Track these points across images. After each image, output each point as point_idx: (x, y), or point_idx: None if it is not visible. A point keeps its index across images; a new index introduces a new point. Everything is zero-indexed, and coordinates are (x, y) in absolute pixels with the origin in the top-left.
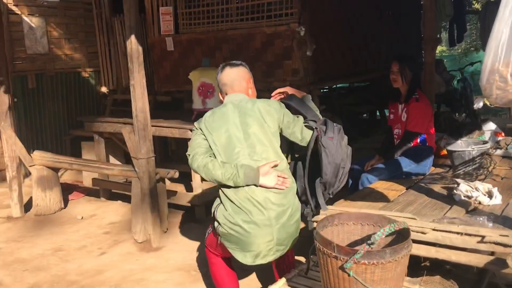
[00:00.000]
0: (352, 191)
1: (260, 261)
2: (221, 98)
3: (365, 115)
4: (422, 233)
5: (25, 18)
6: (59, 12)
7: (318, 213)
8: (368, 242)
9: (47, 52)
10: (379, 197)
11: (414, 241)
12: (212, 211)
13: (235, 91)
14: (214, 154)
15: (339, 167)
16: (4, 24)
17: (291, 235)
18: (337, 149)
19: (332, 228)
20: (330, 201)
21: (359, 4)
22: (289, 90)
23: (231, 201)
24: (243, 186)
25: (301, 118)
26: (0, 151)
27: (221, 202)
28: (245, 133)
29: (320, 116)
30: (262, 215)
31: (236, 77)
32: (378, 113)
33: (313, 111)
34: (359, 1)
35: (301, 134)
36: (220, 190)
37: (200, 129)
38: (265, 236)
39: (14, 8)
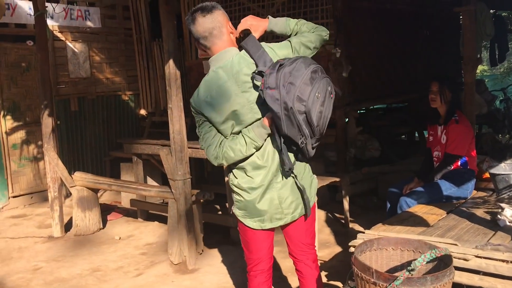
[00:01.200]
0: (390, 215)
1: (269, 225)
2: (202, 53)
3: (403, 136)
4: (464, 259)
5: (69, 44)
6: (101, 38)
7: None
8: (409, 268)
9: (89, 76)
10: (419, 221)
11: (456, 268)
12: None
13: (218, 47)
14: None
15: (290, 115)
16: (49, 50)
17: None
18: (275, 99)
19: (371, 253)
20: (368, 225)
21: (395, 25)
22: (247, 24)
23: (241, 168)
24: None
25: (296, 38)
26: (43, 172)
27: (230, 170)
28: (249, 103)
29: (290, 27)
30: (262, 177)
31: (213, 26)
32: (416, 135)
33: (265, 57)
34: (396, 21)
35: (306, 50)
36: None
37: (200, 111)
38: (270, 200)
39: (59, 35)
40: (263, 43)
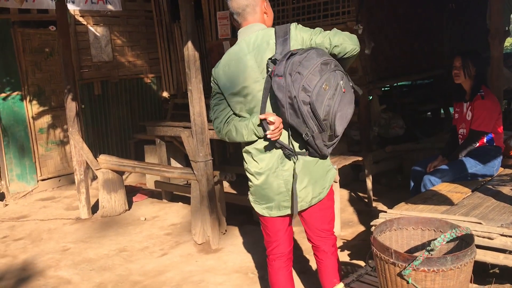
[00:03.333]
0: (414, 193)
1: (276, 213)
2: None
3: (428, 114)
4: (489, 238)
5: (91, 28)
6: (122, 21)
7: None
8: (428, 248)
9: (111, 59)
10: (442, 200)
11: (481, 247)
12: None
13: (248, 22)
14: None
15: (294, 104)
16: (71, 35)
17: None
18: (281, 86)
19: (391, 233)
20: (391, 204)
21: None
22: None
23: (249, 153)
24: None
25: (319, 31)
26: (69, 155)
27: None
28: (263, 80)
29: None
30: (266, 161)
31: (248, 3)
32: (442, 112)
33: (284, 46)
34: None
35: (330, 45)
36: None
37: (216, 82)
38: (277, 188)
39: (80, 19)
40: (294, 27)
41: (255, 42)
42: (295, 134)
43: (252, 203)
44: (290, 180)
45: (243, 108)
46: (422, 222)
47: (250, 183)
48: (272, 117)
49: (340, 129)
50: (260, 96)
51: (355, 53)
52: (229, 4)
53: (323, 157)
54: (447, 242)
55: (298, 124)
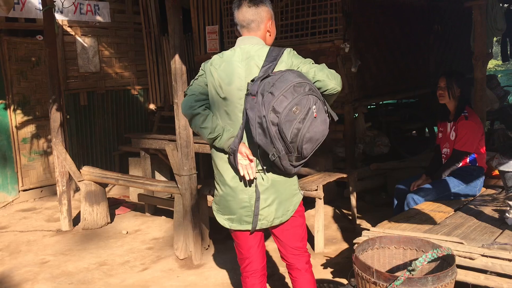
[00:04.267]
0: (397, 211)
1: (237, 226)
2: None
3: (413, 132)
4: (470, 258)
5: (79, 39)
6: (110, 33)
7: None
8: (409, 268)
9: (98, 70)
10: (425, 219)
11: (462, 267)
12: None
13: (250, 34)
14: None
15: (263, 123)
16: (59, 45)
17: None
18: (253, 104)
19: (373, 252)
20: (375, 222)
21: (406, 19)
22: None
23: (215, 162)
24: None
25: (310, 61)
26: (52, 166)
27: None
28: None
29: None
30: (232, 174)
31: (254, 19)
32: (427, 130)
33: (269, 68)
34: (407, 16)
35: (313, 78)
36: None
37: (205, 72)
38: (240, 202)
39: (68, 29)
40: (288, 52)
41: (248, 53)
42: (263, 152)
43: (214, 212)
44: (254, 196)
45: (219, 107)
46: (404, 241)
47: (216, 192)
48: (245, 154)
49: (308, 151)
50: (237, 104)
51: (334, 92)
52: (235, 15)
53: (287, 175)
54: (429, 262)
55: (265, 144)
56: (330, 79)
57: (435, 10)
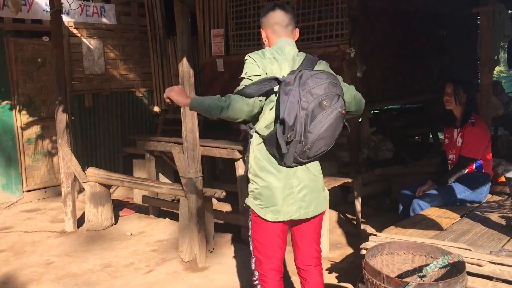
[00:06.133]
0: (403, 217)
1: (282, 217)
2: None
3: (417, 138)
4: (478, 265)
5: (84, 40)
6: (116, 35)
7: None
8: (420, 274)
9: (103, 72)
10: (431, 224)
11: (469, 274)
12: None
13: (287, 35)
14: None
15: (294, 102)
16: (64, 46)
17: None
18: (288, 89)
19: (382, 257)
20: (380, 227)
21: (411, 25)
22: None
23: (256, 153)
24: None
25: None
26: (57, 167)
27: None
28: None
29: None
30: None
31: (290, 22)
32: (430, 136)
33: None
34: (412, 21)
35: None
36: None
37: (256, 62)
38: (284, 190)
39: (74, 31)
40: (325, 63)
41: (294, 55)
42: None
43: (254, 208)
44: (298, 183)
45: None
46: (413, 247)
47: (255, 186)
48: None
49: (315, 150)
50: (273, 99)
51: (354, 115)
52: (269, 15)
53: (284, 162)
54: (439, 268)
55: (290, 120)
56: (354, 104)
57: (440, 16)
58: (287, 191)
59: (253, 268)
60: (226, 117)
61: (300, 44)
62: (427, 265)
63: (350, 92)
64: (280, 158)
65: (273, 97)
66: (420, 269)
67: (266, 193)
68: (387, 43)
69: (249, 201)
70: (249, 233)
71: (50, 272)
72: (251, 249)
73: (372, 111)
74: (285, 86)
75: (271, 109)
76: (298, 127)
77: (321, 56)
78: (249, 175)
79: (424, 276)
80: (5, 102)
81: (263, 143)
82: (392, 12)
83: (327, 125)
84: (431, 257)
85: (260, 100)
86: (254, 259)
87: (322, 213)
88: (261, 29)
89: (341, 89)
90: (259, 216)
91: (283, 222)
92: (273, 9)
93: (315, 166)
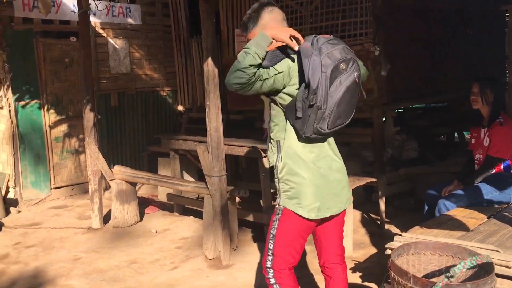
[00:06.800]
0: (428, 217)
1: (323, 214)
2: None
3: (442, 137)
4: (506, 267)
5: (110, 40)
6: (141, 35)
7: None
8: (448, 275)
9: (129, 72)
10: (458, 225)
11: (497, 275)
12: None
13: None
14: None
15: (317, 61)
16: (91, 46)
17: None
18: (308, 52)
19: (408, 257)
20: (403, 227)
21: (437, 23)
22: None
23: (294, 149)
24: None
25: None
26: (83, 164)
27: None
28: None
29: None
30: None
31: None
32: (456, 135)
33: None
34: (437, 19)
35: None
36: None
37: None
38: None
39: (100, 31)
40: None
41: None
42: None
43: (293, 207)
44: (337, 177)
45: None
46: (440, 248)
47: (290, 185)
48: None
49: (332, 121)
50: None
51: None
52: (274, 12)
53: (299, 132)
54: (467, 269)
55: (313, 83)
56: (364, 77)
57: (467, 14)
58: (327, 186)
59: (268, 266)
60: (245, 78)
61: None
62: (454, 265)
63: (361, 64)
64: (300, 128)
65: (293, 66)
66: (447, 269)
67: (306, 190)
68: (413, 41)
69: (284, 201)
70: (273, 232)
71: (78, 267)
72: (270, 247)
73: (396, 110)
74: (305, 51)
75: (291, 80)
76: (320, 90)
77: None
78: (281, 176)
79: (451, 276)
80: (34, 101)
81: (293, 142)
82: (417, 9)
83: (345, 88)
84: (458, 257)
85: (281, 72)
86: (272, 257)
87: (345, 209)
88: (258, 30)
89: (354, 54)
90: (298, 215)
91: (322, 219)
92: (272, 5)
93: (339, 156)
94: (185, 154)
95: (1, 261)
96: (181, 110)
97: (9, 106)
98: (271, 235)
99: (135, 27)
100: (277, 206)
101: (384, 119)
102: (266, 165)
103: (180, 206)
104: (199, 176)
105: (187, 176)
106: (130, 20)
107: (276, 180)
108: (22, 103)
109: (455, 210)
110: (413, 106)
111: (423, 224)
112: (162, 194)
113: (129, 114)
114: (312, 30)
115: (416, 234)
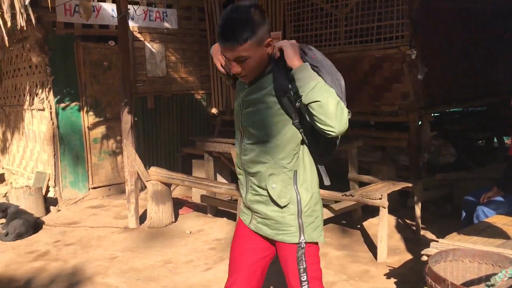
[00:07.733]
0: (466, 224)
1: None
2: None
3: (480, 142)
4: None
5: (147, 44)
6: (177, 39)
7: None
8: (488, 283)
9: (165, 75)
10: (497, 233)
11: None
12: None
13: None
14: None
15: (332, 71)
16: (130, 50)
17: None
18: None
19: (446, 264)
20: (439, 233)
21: (475, 25)
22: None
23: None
24: None
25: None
26: (120, 165)
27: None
28: None
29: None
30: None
31: None
32: (495, 140)
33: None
34: (477, 21)
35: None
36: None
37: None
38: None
39: (138, 35)
40: None
41: None
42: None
43: (320, 238)
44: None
45: None
46: (479, 255)
47: (316, 214)
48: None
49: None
50: None
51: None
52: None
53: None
54: (508, 278)
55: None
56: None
57: (508, 16)
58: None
59: None
60: (331, 109)
61: (359, 46)
62: (494, 274)
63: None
64: (321, 154)
65: None
66: (486, 278)
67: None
68: (450, 44)
69: (309, 236)
70: (304, 277)
71: (114, 266)
72: None
73: (433, 114)
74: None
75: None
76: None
77: (381, 58)
78: (305, 210)
79: (492, 285)
80: (74, 103)
81: (310, 171)
82: (456, 11)
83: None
84: (499, 266)
85: None
86: None
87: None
88: (269, 39)
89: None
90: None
91: None
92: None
93: None
94: (218, 156)
95: (42, 258)
96: (215, 112)
97: (50, 108)
98: (303, 280)
99: (171, 31)
100: (297, 245)
101: (420, 123)
102: None
103: (214, 207)
104: (233, 178)
105: (220, 178)
106: (166, 24)
107: (280, 216)
108: (62, 105)
109: (495, 217)
110: (451, 110)
111: (461, 231)
112: (196, 196)
113: (165, 117)
114: (347, 33)
115: (454, 241)
